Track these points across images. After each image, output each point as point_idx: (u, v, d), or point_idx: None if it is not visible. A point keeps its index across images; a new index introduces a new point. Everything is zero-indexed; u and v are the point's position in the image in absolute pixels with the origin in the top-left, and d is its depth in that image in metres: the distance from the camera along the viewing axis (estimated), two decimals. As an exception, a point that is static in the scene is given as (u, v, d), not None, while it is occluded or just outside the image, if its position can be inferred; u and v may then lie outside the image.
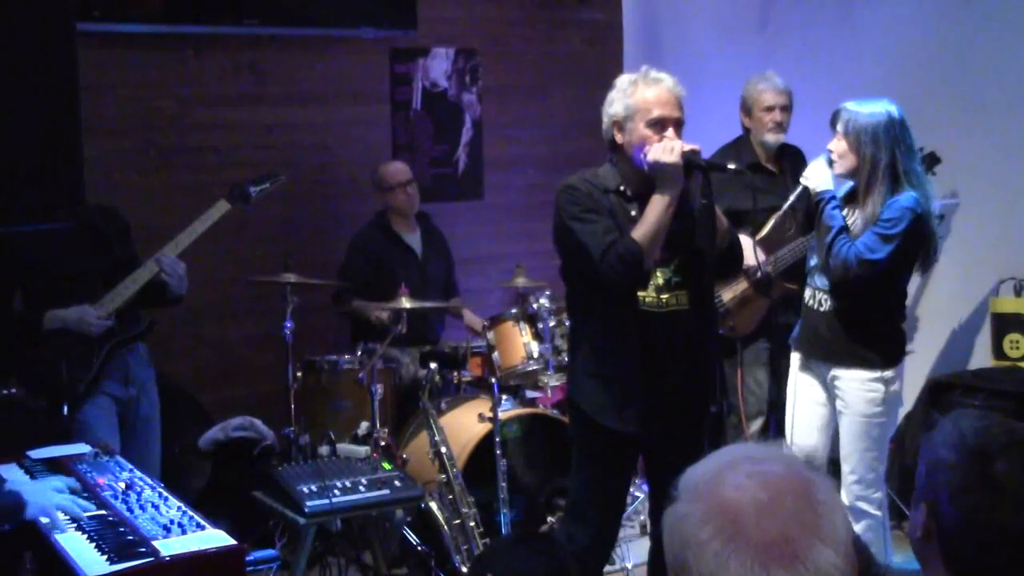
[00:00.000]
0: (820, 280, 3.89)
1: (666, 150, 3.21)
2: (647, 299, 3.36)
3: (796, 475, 1.28)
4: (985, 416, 1.80)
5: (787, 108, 4.87)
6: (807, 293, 3.96)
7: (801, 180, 3.91)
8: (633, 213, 3.34)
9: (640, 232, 3.23)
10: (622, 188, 3.38)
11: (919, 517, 1.76)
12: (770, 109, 4.87)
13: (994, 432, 1.74)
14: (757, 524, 1.22)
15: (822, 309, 3.86)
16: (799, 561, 1.20)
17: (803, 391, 3.99)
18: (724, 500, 1.25)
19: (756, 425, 4.89)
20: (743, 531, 1.22)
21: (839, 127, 3.76)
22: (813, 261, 3.96)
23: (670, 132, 3.29)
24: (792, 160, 4.87)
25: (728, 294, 4.66)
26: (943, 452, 1.74)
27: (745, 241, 3.78)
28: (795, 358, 4.03)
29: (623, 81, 3.40)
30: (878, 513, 3.84)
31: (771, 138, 4.88)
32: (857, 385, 3.82)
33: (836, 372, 3.86)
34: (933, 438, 1.79)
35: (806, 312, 3.95)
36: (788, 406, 4.04)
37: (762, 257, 4.24)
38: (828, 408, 3.95)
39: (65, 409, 3.77)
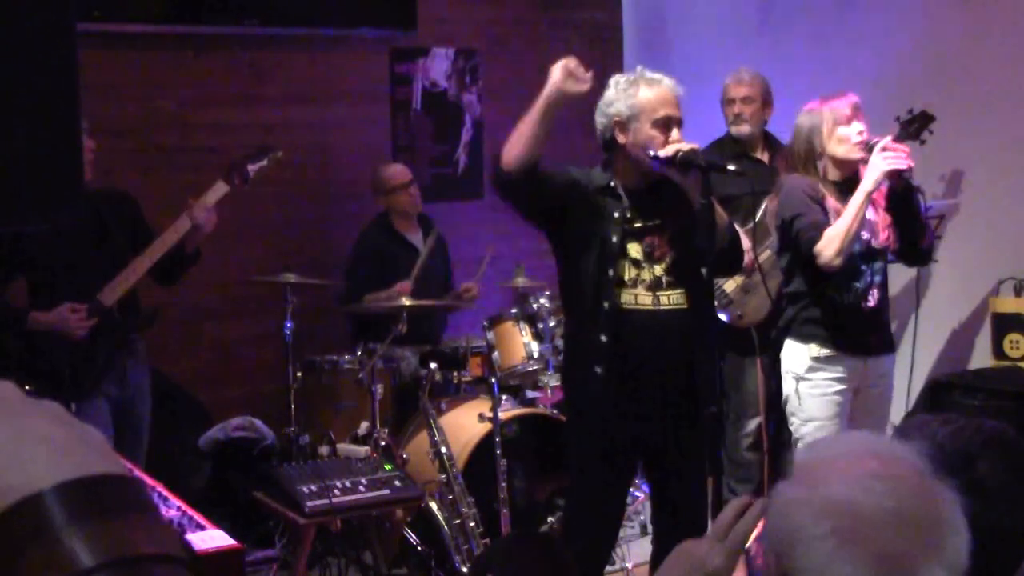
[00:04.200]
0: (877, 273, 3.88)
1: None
2: (640, 297, 3.35)
3: (925, 488, 1.22)
4: (950, 419, 1.80)
5: (750, 99, 4.90)
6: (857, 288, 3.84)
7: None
8: (616, 214, 3.35)
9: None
10: (612, 184, 3.40)
11: None
12: (731, 102, 4.94)
13: (968, 434, 1.74)
14: (879, 533, 1.16)
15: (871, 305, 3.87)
16: None
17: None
18: (847, 498, 1.19)
19: (751, 425, 4.89)
20: (862, 537, 1.16)
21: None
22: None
23: (675, 133, 3.31)
24: (772, 149, 4.91)
25: (730, 284, 4.66)
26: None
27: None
28: (857, 367, 3.86)
29: (621, 82, 3.41)
30: None
31: (734, 130, 4.94)
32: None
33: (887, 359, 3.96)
34: None
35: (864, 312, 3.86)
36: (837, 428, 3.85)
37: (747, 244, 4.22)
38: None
39: (73, 408, 3.77)
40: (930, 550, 1.16)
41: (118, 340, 3.97)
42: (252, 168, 4.26)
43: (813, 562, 1.16)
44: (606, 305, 3.33)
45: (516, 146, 3.25)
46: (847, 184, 3.80)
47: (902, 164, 3.64)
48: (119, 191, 4.26)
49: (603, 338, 3.33)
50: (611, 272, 3.34)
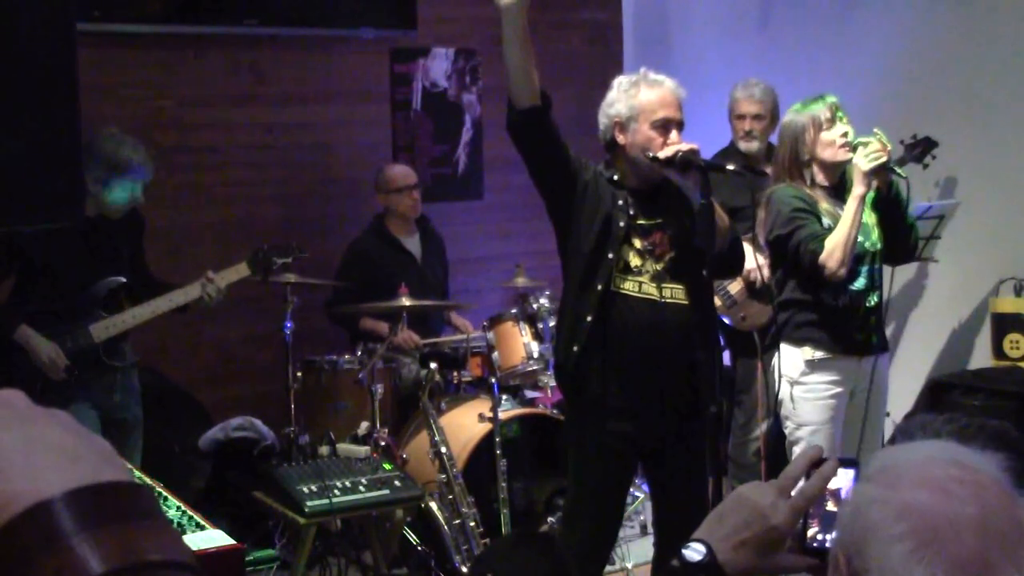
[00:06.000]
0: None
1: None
2: (645, 286, 3.35)
3: (1008, 495, 1.17)
4: (952, 419, 1.79)
5: (760, 117, 4.86)
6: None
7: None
8: (620, 202, 3.35)
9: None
10: (615, 178, 3.41)
11: None
12: (741, 117, 4.89)
13: (971, 433, 1.74)
14: (959, 538, 1.12)
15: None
16: None
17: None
18: (928, 501, 1.14)
19: (759, 430, 4.87)
20: (941, 540, 1.12)
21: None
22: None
23: (674, 135, 3.31)
24: None
25: (735, 286, 4.66)
26: None
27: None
28: (852, 368, 3.86)
29: (623, 82, 3.41)
30: None
31: (743, 146, 4.89)
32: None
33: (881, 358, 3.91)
34: None
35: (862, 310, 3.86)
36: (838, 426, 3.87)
37: (762, 261, 4.21)
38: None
39: None
40: (1011, 559, 1.12)
41: (95, 373, 3.94)
42: (277, 262, 4.37)
43: (886, 564, 1.12)
44: (599, 287, 3.33)
45: (510, 80, 3.26)
46: (836, 189, 3.80)
47: (883, 157, 3.63)
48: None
49: (588, 318, 3.34)
50: (611, 255, 3.34)
